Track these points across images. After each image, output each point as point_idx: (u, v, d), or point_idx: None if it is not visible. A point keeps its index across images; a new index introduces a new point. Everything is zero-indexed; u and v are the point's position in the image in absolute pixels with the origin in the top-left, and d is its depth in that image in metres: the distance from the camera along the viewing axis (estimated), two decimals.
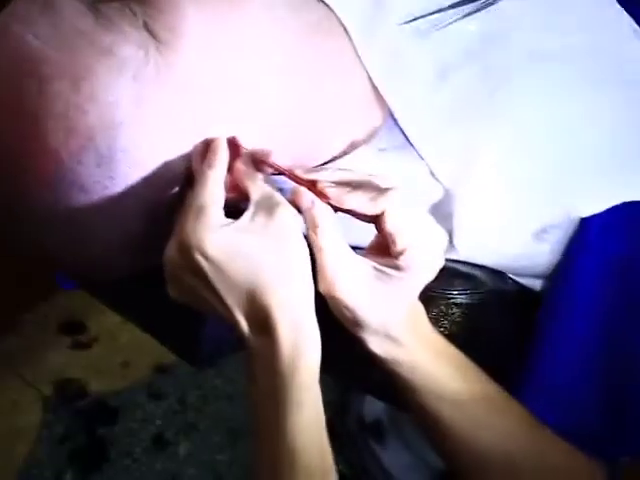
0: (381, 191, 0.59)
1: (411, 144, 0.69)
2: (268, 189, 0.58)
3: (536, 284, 0.76)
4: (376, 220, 0.59)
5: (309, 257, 0.57)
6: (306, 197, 0.58)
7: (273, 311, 0.55)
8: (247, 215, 0.56)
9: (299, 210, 0.58)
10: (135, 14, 0.57)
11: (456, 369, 0.64)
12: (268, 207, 0.56)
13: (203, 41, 0.59)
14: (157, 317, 0.75)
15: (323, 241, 0.58)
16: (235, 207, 0.59)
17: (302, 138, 0.66)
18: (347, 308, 0.59)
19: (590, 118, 0.69)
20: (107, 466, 1.47)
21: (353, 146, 0.70)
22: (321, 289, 0.59)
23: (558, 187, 0.69)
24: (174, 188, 0.60)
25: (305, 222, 0.58)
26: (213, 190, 0.56)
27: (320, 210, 0.58)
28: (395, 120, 0.69)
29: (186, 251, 0.54)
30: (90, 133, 0.55)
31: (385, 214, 0.58)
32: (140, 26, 0.57)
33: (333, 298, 0.59)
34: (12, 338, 1.58)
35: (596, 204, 0.68)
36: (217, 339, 0.71)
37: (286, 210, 0.56)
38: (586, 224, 0.70)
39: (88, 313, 1.61)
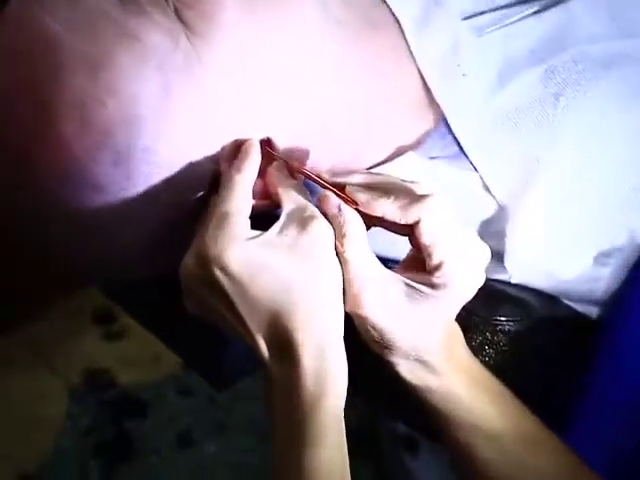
0: (417, 198, 0.52)
1: (464, 153, 0.63)
2: (303, 200, 0.53)
3: (592, 311, 0.70)
4: (410, 231, 0.53)
5: (341, 278, 0.52)
6: (333, 202, 0.53)
7: (297, 335, 0.50)
8: (276, 227, 0.51)
9: (326, 217, 0.53)
10: None
11: (493, 400, 0.58)
12: (301, 220, 0.51)
13: (241, 36, 0.53)
14: (176, 334, 0.70)
15: (350, 252, 0.52)
16: (265, 215, 0.53)
17: (344, 140, 0.61)
18: (374, 328, 0.53)
19: None
20: (133, 461, 1.44)
21: (400, 151, 0.65)
22: (346, 306, 0.53)
23: (627, 207, 0.62)
24: (198, 192, 0.55)
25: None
26: (240, 197, 0.51)
27: (348, 217, 0.52)
28: (448, 126, 0.63)
29: (205, 263, 0.49)
30: (108, 128, 0.51)
31: (420, 224, 0.52)
32: (171, 13, 0.52)
33: (359, 316, 0.53)
34: (44, 325, 1.55)
35: None
36: (240, 359, 0.66)
37: (321, 225, 0.51)
38: None
39: None
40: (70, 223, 0.54)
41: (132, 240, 0.56)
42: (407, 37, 0.63)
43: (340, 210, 0.52)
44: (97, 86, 0.50)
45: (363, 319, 0.53)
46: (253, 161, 0.53)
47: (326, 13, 0.58)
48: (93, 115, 0.50)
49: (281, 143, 0.56)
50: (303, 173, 0.55)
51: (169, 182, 0.53)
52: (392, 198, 0.52)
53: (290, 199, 0.53)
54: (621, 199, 0.62)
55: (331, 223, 0.52)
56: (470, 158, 0.63)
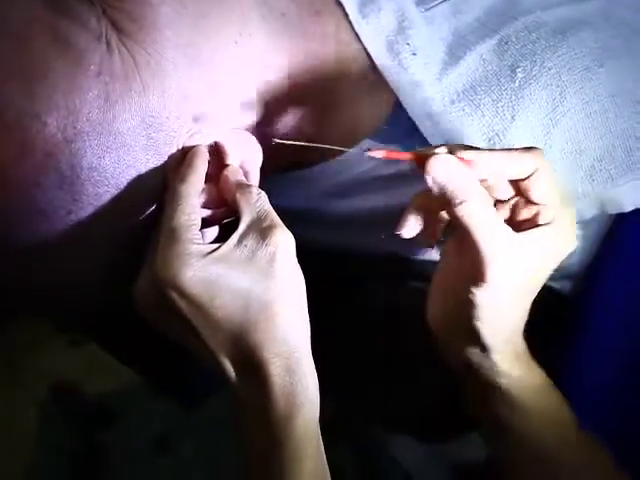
0: (527, 149, 0.50)
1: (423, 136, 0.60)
2: (262, 207, 0.50)
3: (566, 286, 0.68)
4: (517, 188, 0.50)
5: (305, 288, 0.49)
6: (447, 164, 0.47)
7: (262, 353, 0.47)
8: (234, 238, 0.48)
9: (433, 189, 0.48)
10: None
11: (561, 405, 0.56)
12: (260, 230, 0.48)
13: (176, 38, 0.50)
14: (138, 355, 0.67)
15: (476, 216, 0.47)
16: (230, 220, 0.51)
17: (297, 134, 0.59)
18: (480, 318, 0.50)
19: (626, 94, 0.60)
20: (109, 474, 1.41)
21: (356, 139, 0.62)
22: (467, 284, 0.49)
23: (593, 177, 0.60)
24: (150, 208, 0.52)
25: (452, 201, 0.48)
26: (185, 210, 0.48)
27: (466, 177, 0.48)
28: (403, 110, 0.60)
29: (160, 287, 0.46)
30: (50, 148, 0.47)
31: (535, 175, 0.49)
32: (99, 13, 0.48)
33: (489, 297, 0.49)
34: (4, 339, 1.51)
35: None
36: (208, 376, 0.64)
37: (281, 234, 0.48)
38: (623, 218, 0.63)
39: None
40: (14, 253, 0.51)
41: (85, 267, 0.53)
42: (351, 19, 0.60)
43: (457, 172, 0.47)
44: (34, 102, 0.46)
45: (491, 302, 0.50)
46: (198, 169, 0.50)
47: (266, 7, 0.55)
48: (33, 135, 0.46)
49: (231, 144, 0.53)
50: (402, 156, 0.50)
51: (118, 200, 0.50)
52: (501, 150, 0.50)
53: (248, 206, 0.50)
54: (586, 170, 0.60)
55: (443, 195, 0.48)
56: (429, 141, 0.61)
